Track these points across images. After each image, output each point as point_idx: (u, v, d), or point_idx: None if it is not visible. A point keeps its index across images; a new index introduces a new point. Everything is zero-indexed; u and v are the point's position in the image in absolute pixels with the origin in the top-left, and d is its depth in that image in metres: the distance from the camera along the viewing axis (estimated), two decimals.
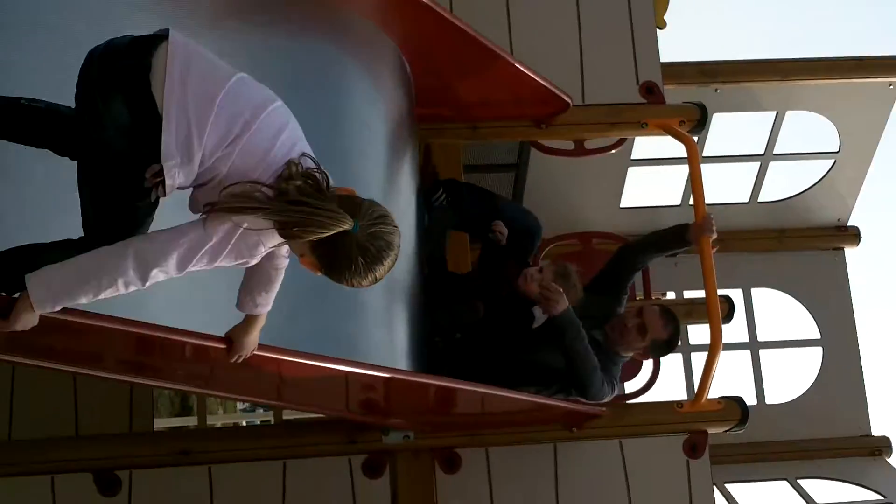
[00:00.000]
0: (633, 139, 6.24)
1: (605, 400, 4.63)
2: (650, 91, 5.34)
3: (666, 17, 5.58)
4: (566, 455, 4.88)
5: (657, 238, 5.11)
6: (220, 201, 2.42)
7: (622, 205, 6.99)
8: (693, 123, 5.30)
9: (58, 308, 2.44)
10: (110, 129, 2.44)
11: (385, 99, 4.24)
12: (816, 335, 7.18)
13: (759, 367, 7.21)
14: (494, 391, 4.13)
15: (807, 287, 7.24)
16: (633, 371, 6.21)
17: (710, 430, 4.97)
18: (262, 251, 2.54)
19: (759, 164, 6.97)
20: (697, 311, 6.19)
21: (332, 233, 2.40)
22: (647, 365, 6.28)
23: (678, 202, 7.15)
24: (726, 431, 5.02)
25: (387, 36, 4.25)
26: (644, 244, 5.13)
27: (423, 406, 4.43)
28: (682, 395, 7.15)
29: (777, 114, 6.65)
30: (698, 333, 7.20)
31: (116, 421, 5.20)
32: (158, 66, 2.42)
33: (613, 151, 5.85)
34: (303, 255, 2.49)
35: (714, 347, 4.74)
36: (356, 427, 4.66)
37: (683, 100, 5.75)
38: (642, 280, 6.41)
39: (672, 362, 7.15)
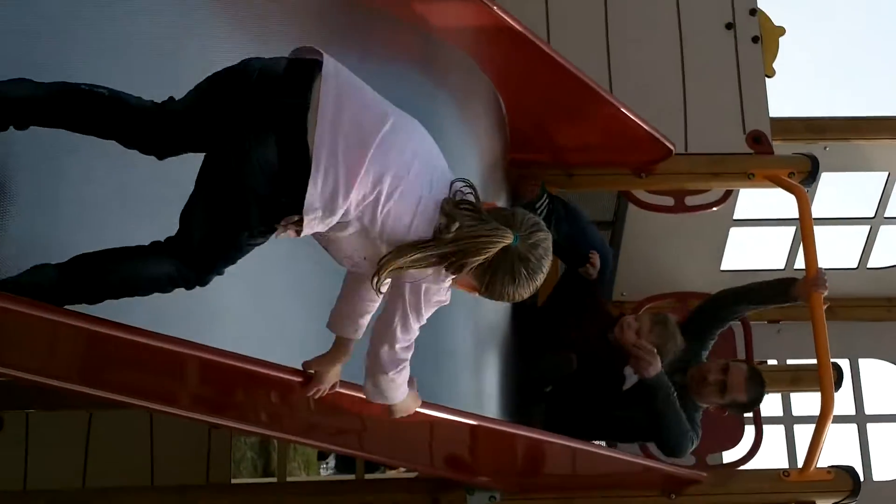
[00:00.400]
0: (737, 197, 5.97)
1: (690, 450, 4.50)
2: (757, 140, 5.10)
3: (774, 65, 5.33)
4: None
5: (758, 288, 4.86)
6: (386, 264, 2.36)
7: (723, 267, 6.71)
8: (804, 175, 5.04)
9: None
10: (255, 167, 2.31)
11: (479, 136, 4.06)
12: None
13: (867, 441, 6.85)
14: (591, 448, 3.88)
15: None
16: (734, 439, 5.88)
17: (819, 502, 4.64)
18: (448, 285, 2.49)
19: (868, 227, 6.67)
20: (804, 379, 5.84)
21: (495, 252, 2.36)
22: (749, 433, 5.94)
23: (782, 266, 6.86)
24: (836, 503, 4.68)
25: (480, 69, 4.08)
26: (743, 292, 4.87)
27: (511, 462, 4.18)
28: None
29: (889, 174, 6.33)
30: (802, 403, 6.91)
31: (193, 473, 5.05)
32: (314, 108, 2.31)
33: (715, 209, 5.58)
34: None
35: (825, 413, 4.42)
36: (439, 485, 4.41)
37: None
38: (745, 343, 6.08)
39: (774, 433, 6.84)
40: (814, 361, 6.09)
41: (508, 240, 2.35)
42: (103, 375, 2.63)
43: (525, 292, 2.43)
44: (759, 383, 4.56)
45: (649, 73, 5.16)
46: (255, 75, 2.36)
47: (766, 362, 6.45)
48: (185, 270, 2.44)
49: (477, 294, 2.46)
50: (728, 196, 5.57)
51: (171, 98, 2.50)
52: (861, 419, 6.86)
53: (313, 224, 2.34)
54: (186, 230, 2.42)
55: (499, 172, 4.48)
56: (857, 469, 4.69)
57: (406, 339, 2.49)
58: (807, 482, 4.61)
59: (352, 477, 9.44)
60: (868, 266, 6.82)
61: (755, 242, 7.02)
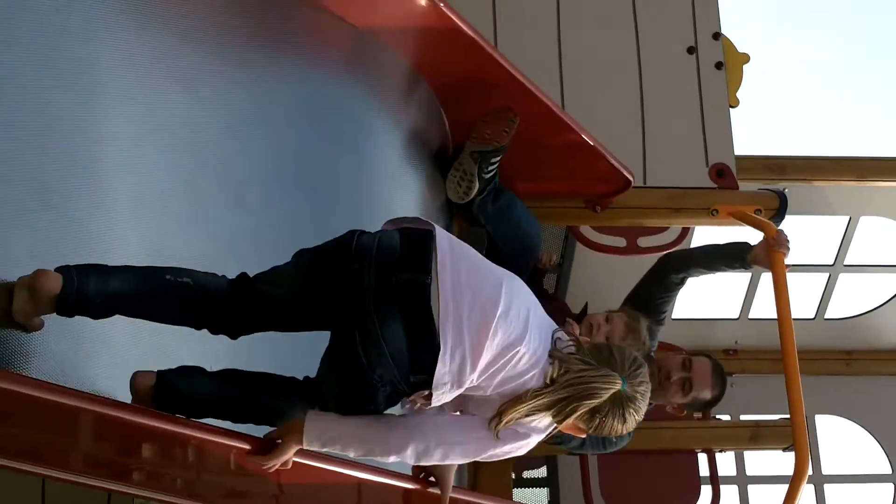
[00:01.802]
0: (691, 236, 5.59)
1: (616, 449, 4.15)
2: (721, 174, 4.72)
3: (738, 95, 4.95)
4: None
5: (712, 249, 4.41)
6: (505, 414, 2.44)
7: (673, 315, 6.32)
8: (771, 213, 4.65)
9: (321, 450, 2.44)
10: (385, 353, 2.36)
11: (417, 147, 3.64)
12: (888, 470, 6.52)
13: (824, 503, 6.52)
14: None
15: (877, 416, 6.58)
16: (691, 499, 5.47)
17: None
18: (549, 429, 2.55)
19: (827, 275, 6.36)
20: (765, 436, 5.42)
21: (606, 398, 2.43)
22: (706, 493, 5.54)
23: (736, 315, 6.51)
24: None
25: (418, 73, 3.64)
26: (693, 254, 4.47)
27: None
28: None
29: (850, 218, 6.06)
30: (756, 461, 6.56)
31: None
32: (435, 285, 2.38)
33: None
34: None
35: (799, 474, 3.98)
36: None
37: None
38: None
39: (727, 493, 6.46)
40: (772, 417, 5.81)
41: (618, 385, 2.42)
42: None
43: (632, 427, 2.49)
44: (722, 378, 4.20)
45: (605, 97, 4.75)
46: (372, 254, 2.39)
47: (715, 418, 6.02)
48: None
49: (584, 436, 2.57)
50: (685, 236, 5.19)
51: (246, 276, 2.48)
52: (818, 479, 6.54)
53: (442, 397, 2.42)
54: (321, 394, 2.47)
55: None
56: None
57: (444, 456, 2.51)
58: None
59: None
60: (826, 317, 6.52)
61: (710, 286, 6.67)
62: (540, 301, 3.85)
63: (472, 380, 2.40)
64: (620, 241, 5.32)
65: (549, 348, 2.48)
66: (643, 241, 5.27)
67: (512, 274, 2.56)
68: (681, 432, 5.44)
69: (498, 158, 3.99)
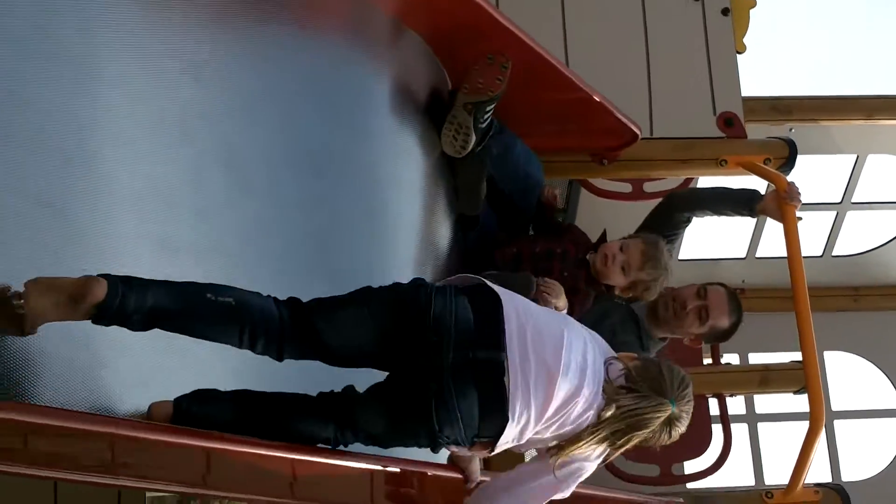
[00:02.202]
0: (698, 180, 5.53)
1: None
2: (729, 123, 4.64)
3: (745, 41, 4.86)
4: None
5: (721, 193, 4.37)
6: (564, 451, 2.58)
7: (681, 256, 6.28)
8: (780, 162, 4.59)
9: None
10: (456, 418, 2.47)
11: (420, 114, 3.57)
12: None
13: (834, 439, 6.54)
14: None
15: (885, 351, 6.61)
16: (701, 448, 5.45)
17: None
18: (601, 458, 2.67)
19: (835, 213, 6.31)
20: (775, 380, 5.41)
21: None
22: (717, 441, 5.52)
23: (743, 255, 6.48)
24: None
25: (413, 32, 3.56)
26: (698, 194, 4.46)
27: None
28: (747, 472, 6.51)
29: (857, 157, 5.99)
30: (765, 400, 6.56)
31: None
32: (507, 359, 2.49)
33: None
34: None
35: (815, 427, 3.97)
36: None
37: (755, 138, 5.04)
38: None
39: (737, 432, 6.47)
40: (782, 360, 5.80)
41: (668, 411, 2.52)
42: None
43: (677, 437, 2.62)
44: (738, 307, 4.13)
45: (609, 47, 4.67)
46: (450, 330, 2.47)
47: (721, 357, 6.00)
48: (344, 437, 2.52)
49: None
50: (691, 180, 5.13)
51: (299, 302, 2.47)
52: (828, 415, 6.50)
53: (501, 449, 2.57)
54: (365, 421, 2.51)
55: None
56: (821, 472, 4.26)
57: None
58: None
59: None
60: (833, 254, 6.50)
61: (716, 226, 6.62)
62: (556, 234, 3.82)
63: (532, 433, 2.55)
64: (626, 187, 5.27)
65: (601, 382, 2.58)
66: (649, 187, 5.22)
67: (567, 319, 2.74)
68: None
69: (493, 106, 3.83)
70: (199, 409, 2.37)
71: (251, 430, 2.36)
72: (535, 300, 2.96)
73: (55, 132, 2.18)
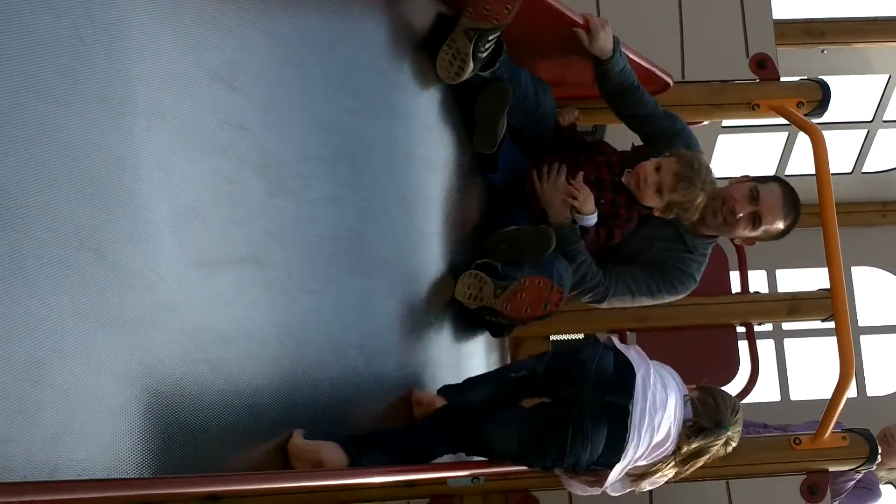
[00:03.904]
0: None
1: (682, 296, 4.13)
2: (762, 65, 4.54)
3: None
4: (664, 498, 4.19)
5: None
6: (643, 477, 3.31)
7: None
8: (813, 105, 4.51)
9: None
10: (587, 446, 3.13)
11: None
12: None
13: (860, 355, 6.61)
14: None
15: None
16: (728, 375, 5.51)
17: (832, 469, 4.26)
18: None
19: (866, 131, 6.27)
20: (804, 309, 5.43)
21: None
22: (744, 367, 5.57)
23: (772, 172, 6.44)
24: (852, 470, 4.31)
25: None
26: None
27: None
28: (773, 387, 6.58)
29: (889, 77, 5.93)
30: None
31: None
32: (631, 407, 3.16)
33: (705, 123, 5.05)
34: None
35: (844, 381, 3.98)
36: None
37: (786, 62, 4.95)
38: (739, 266, 5.63)
39: (763, 347, 6.54)
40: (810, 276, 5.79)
41: (725, 437, 3.29)
42: None
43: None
44: (795, 206, 3.98)
45: None
46: (591, 372, 3.17)
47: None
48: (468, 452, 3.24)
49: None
50: None
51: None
52: (854, 332, 6.58)
53: (609, 483, 3.25)
54: (497, 440, 3.18)
55: None
56: (870, 433, 4.29)
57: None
58: (820, 450, 4.21)
59: None
60: (863, 171, 6.46)
61: (745, 149, 6.56)
62: (585, 155, 3.96)
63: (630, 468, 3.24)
64: None
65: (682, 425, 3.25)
66: None
67: (671, 375, 3.33)
68: (718, 308, 5.46)
69: (496, 36, 3.58)
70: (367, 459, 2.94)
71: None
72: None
73: (91, 167, 2.17)
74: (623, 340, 5.25)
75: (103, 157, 2.20)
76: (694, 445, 3.22)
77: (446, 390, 3.37)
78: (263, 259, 2.62)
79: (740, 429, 3.27)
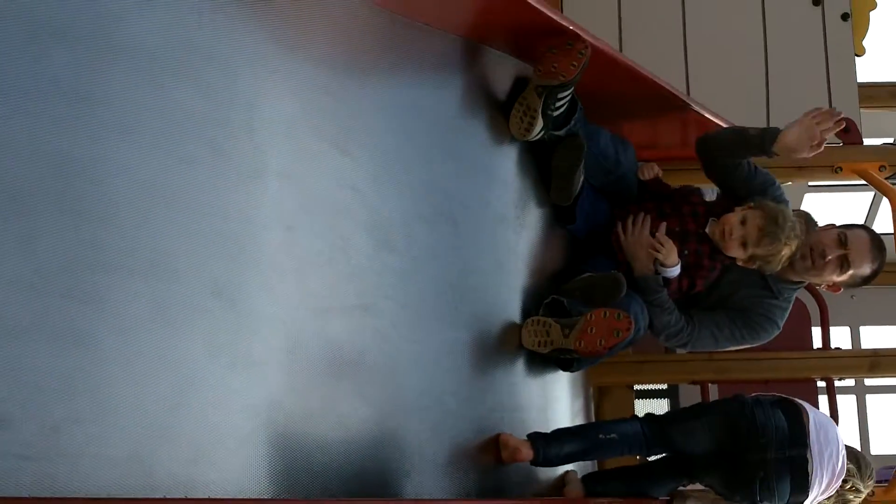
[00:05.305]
0: None
1: (764, 342, 4.18)
2: (846, 130, 4.70)
3: (865, 42, 4.92)
4: None
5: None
6: None
7: None
8: (895, 169, 4.66)
9: None
10: (774, 499, 3.66)
11: None
12: None
13: None
14: None
15: None
16: None
17: None
18: None
19: None
20: (884, 365, 5.53)
21: None
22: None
23: None
24: None
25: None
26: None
27: None
28: (853, 441, 6.66)
29: None
30: None
31: None
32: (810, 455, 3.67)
33: (790, 183, 5.22)
34: None
35: None
36: None
37: (873, 125, 5.12)
38: (821, 322, 5.76)
39: (844, 403, 6.61)
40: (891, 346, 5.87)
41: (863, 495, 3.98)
42: None
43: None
44: (881, 249, 4.01)
45: (730, 53, 4.77)
46: (772, 434, 3.64)
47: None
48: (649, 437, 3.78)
49: None
50: None
51: (654, 418, 3.83)
52: None
53: None
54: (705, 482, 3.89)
55: None
56: None
57: None
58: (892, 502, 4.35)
59: None
60: None
61: (831, 208, 6.68)
62: (669, 205, 4.13)
63: None
64: None
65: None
66: None
67: (832, 423, 3.85)
68: (800, 363, 5.59)
69: (567, 94, 3.64)
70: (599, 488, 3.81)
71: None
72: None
73: (227, 226, 2.47)
74: (704, 392, 5.46)
75: (238, 216, 2.49)
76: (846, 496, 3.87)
77: (535, 437, 3.57)
78: (371, 308, 2.90)
79: (872, 485, 3.97)
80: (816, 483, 3.63)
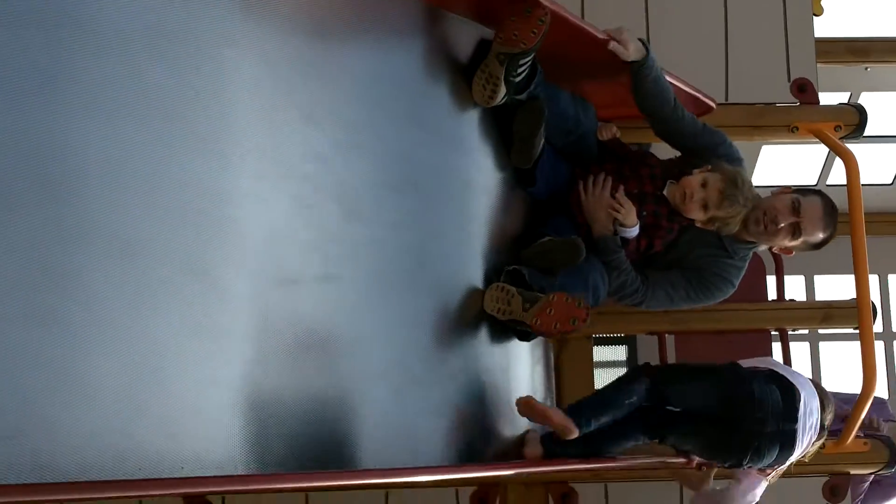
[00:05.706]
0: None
1: (719, 300, 4.28)
2: (802, 89, 4.78)
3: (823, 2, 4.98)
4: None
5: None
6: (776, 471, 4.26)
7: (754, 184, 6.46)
8: (850, 129, 4.75)
9: None
10: (763, 464, 4.10)
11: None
12: None
13: (893, 360, 6.81)
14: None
15: None
16: None
17: (854, 472, 4.55)
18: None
19: None
20: (837, 317, 5.65)
21: None
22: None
23: (815, 182, 6.68)
24: (872, 474, 4.58)
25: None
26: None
27: None
28: None
29: None
30: None
31: None
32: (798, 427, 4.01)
33: None
34: None
35: (866, 392, 4.27)
36: None
37: (830, 80, 5.20)
38: (776, 273, 5.88)
39: (799, 350, 6.79)
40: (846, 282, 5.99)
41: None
42: None
43: None
44: (833, 217, 4.09)
45: (689, 11, 4.81)
46: (769, 409, 3.92)
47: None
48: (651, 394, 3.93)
49: None
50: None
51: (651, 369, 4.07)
52: (889, 336, 6.80)
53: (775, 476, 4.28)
54: (680, 443, 4.15)
55: None
56: (879, 390, 4.55)
57: None
58: (843, 454, 4.49)
59: None
60: None
61: (788, 159, 6.78)
62: (629, 167, 4.13)
63: None
64: None
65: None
66: None
67: (809, 384, 4.15)
68: (756, 314, 5.70)
69: (527, 60, 3.65)
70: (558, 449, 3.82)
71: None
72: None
73: (193, 202, 2.50)
74: (662, 343, 5.57)
75: (205, 190, 2.54)
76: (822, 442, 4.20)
77: (573, 411, 3.83)
78: (337, 277, 2.95)
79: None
80: (798, 449, 4.00)
